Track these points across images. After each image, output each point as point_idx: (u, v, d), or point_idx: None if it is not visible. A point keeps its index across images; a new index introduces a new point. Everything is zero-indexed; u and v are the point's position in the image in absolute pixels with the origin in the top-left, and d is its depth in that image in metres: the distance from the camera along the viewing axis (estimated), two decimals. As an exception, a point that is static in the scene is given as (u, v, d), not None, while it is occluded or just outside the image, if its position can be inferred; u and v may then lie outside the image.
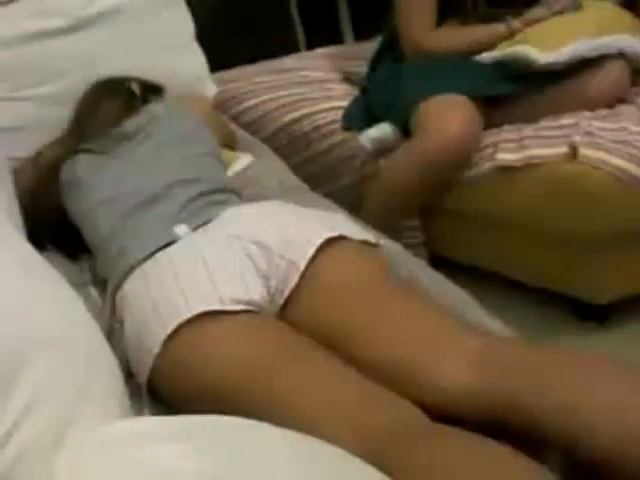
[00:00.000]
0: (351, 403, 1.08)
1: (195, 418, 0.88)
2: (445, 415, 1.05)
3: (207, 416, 0.90)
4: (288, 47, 3.24)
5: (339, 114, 2.51)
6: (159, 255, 1.36)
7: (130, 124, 1.70)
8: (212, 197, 1.51)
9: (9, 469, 0.82)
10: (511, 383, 1.03)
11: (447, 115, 2.16)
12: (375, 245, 1.39)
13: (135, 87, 1.88)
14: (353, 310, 1.22)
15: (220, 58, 2.51)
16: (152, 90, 1.91)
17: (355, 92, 2.59)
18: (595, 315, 2.23)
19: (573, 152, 2.10)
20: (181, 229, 1.41)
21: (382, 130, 2.33)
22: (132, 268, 1.36)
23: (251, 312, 1.24)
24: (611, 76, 2.31)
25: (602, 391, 1.00)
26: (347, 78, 2.75)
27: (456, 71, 2.30)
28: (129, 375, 1.28)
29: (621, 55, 2.31)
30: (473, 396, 1.05)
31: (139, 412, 1.21)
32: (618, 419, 0.96)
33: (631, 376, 1.01)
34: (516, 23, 2.34)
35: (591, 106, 2.30)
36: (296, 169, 2.17)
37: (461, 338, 1.12)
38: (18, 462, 0.81)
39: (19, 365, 0.93)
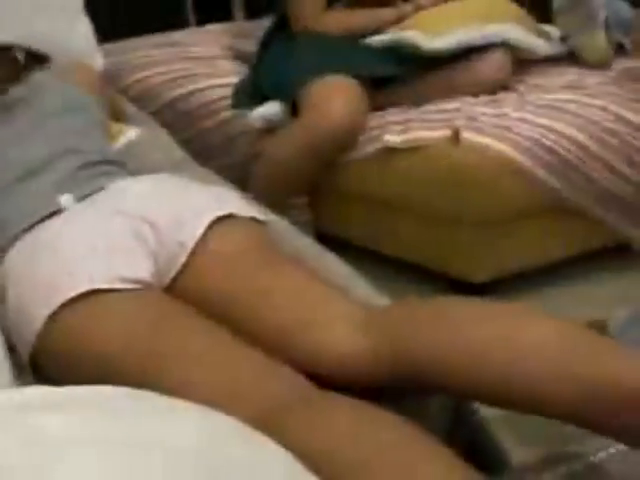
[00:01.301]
0: (241, 375, 1.09)
1: (82, 388, 0.88)
2: (334, 383, 1.07)
3: (94, 386, 0.90)
4: (178, 22, 3.21)
5: (228, 91, 2.50)
6: (42, 226, 1.33)
7: (12, 93, 1.66)
8: (98, 168, 1.48)
9: None
10: (397, 342, 1.06)
11: (333, 96, 2.19)
12: (263, 222, 1.40)
13: (19, 55, 1.83)
14: (240, 283, 1.23)
15: (109, 30, 2.47)
16: (37, 59, 1.86)
17: (244, 70, 2.59)
18: (472, 293, 2.30)
19: (455, 135, 2.15)
20: (65, 199, 1.38)
21: (271, 108, 2.34)
22: (14, 239, 1.33)
23: (138, 290, 1.22)
24: (494, 64, 2.39)
25: (486, 329, 1.03)
26: (237, 56, 2.74)
27: (344, 52, 2.33)
28: (12, 350, 1.25)
29: (505, 44, 2.38)
30: (361, 360, 1.07)
31: (22, 385, 1.20)
32: (503, 356, 0.99)
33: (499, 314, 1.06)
34: (406, 8, 2.38)
35: (474, 92, 2.37)
36: (184, 145, 2.15)
37: (346, 306, 1.14)
38: None
39: None
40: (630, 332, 1.47)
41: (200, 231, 1.27)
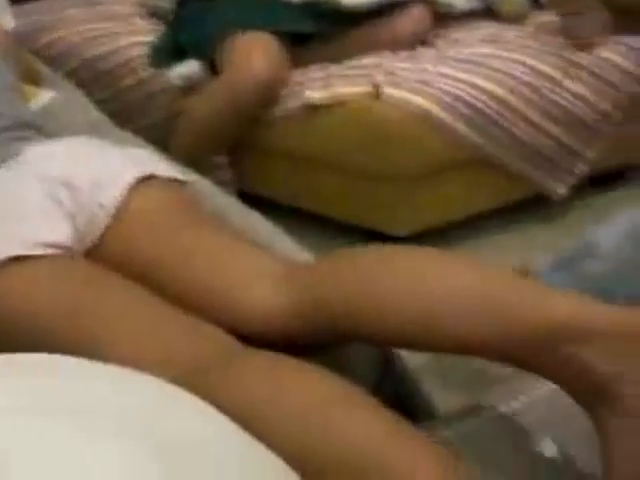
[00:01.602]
0: (166, 335, 1.08)
1: (20, 356, 0.87)
2: (260, 341, 1.08)
3: (33, 354, 0.88)
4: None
5: (144, 50, 2.46)
6: None
7: None
8: (13, 133, 1.44)
9: None
10: (317, 296, 1.06)
11: (253, 52, 2.17)
12: (184, 182, 1.39)
13: None
14: (163, 245, 1.21)
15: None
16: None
17: (162, 27, 2.55)
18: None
19: (376, 91, 2.16)
20: None
21: (190, 66, 2.31)
22: None
23: (58, 255, 1.20)
24: (413, 18, 2.40)
25: (408, 274, 1.03)
26: (154, 13, 2.69)
27: (264, 8, 2.32)
28: None
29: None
30: (282, 317, 1.07)
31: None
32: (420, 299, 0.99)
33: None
34: None
35: (394, 47, 2.37)
36: (102, 106, 2.11)
37: (268, 264, 1.14)
38: None
39: None
40: (552, 279, 1.51)
41: (120, 193, 1.25)
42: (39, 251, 1.18)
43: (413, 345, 1.06)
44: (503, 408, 1.09)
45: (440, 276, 1.00)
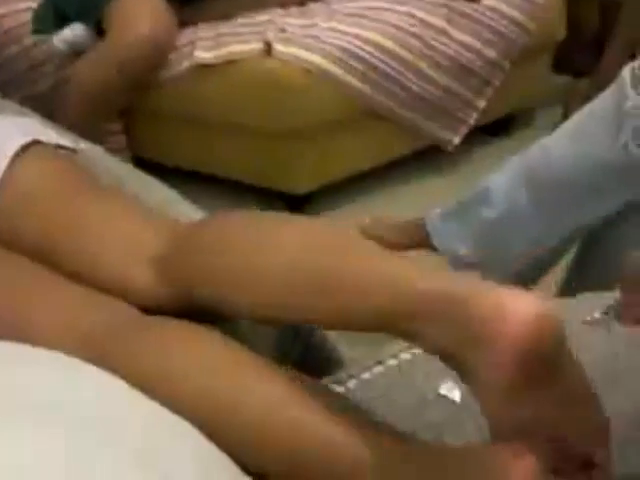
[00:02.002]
0: (64, 307, 1.07)
1: None
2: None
3: None
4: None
5: (28, 16, 2.38)
6: None
7: None
8: None
9: None
10: (183, 283, 1.04)
11: (138, 12, 2.13)
12: (73, 149, 1.36)
13: None
14: (49, 217, 1.19)
15: None
16: None
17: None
18: (295, 205, 2.34)
19: (268, 48, 2.15)
20: None
21: (75, 31, 2.25)
22: None
23: None
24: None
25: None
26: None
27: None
28: None
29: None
30: (159, 299, 1.07)
31: None
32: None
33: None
34: None
35: (283, 3, 2.36)
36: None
37: (148, 242, 1.13)
38: None
39: None
40: (445, 228, 1.54)
41: (4, 163, 1.22)
42: None
43: (278, 321, 1.04)
44: (405, 356, 1.12)
45: (276, 248, 0.96)
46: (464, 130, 2.49)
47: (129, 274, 1.10)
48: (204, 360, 0.96)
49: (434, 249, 1.54)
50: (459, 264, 1.50)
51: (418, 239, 1.56)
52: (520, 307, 0.76)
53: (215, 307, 1.01)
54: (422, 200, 2.16)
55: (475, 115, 2.50)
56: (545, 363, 0.76)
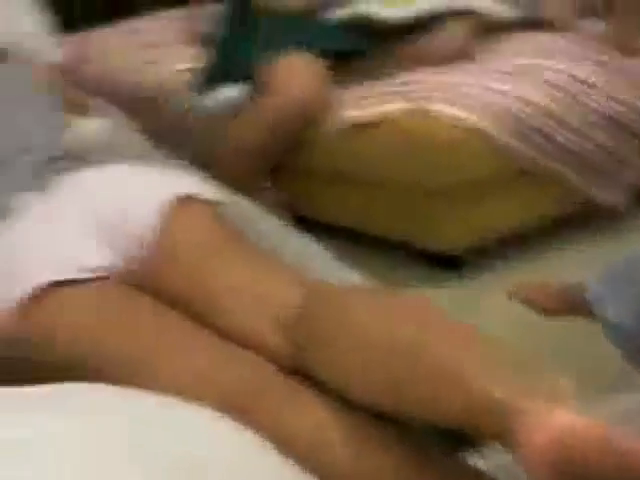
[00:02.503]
0: (206, 362, 1.09)
1: (32, 388, 0.87)
2: None
3: (47, 385, 0.88)
4: (131, 10, 3.16)
5: (188, 76, 2.47)
6: None
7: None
8: (60, 163, 1.46)
9: None
10: (305, 352, 1.07)
11: (295, 73, 2.17)
12: (224, 203, 1.39)
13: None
14: (195, 274, 1.22)
15: (64, 22, 2.43)
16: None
17: (203, 54, 2.56)
18: (449, 266, 2.30)
19: (419, 106, 2.14)
20: (19, 200, 1.36)
21: (232, 91, 2.32)
22: None
23: (96, 280, 1.22)
24: (455, 32, 2.37)
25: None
26: (194, 40, 2.71)
27: (304, 29, 2.32)
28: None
29: (467, 11, 2.37)
30: (280, 357, 1.10)
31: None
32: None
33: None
34: None
35: (436, 62, 2.36)
36: (147, 134, 2.13)
37: (285, 303, 1.13)
38: None
39: None
40: (603, 293, 1.47)
41: (157, 216, 1.25)
42: (79, 275, 1.20)
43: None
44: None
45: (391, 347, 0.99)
46: (624, 191, 2.39)
47: (261, 331, 1.12)
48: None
49: (593, 317, 1.48)
50: (620, 335, 1.43)
51: (576, 306, 1.50)
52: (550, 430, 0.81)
53: (320, 376, 1.03)
54: (577, 264, 2.08)
55: (634, 175, 2.39)
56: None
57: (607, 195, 2.37)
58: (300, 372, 1.07)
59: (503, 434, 0.86)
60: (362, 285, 1.35)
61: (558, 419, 0.82)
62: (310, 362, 1.05)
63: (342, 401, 1.00)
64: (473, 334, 1.00)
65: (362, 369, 0.99)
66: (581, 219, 2.42)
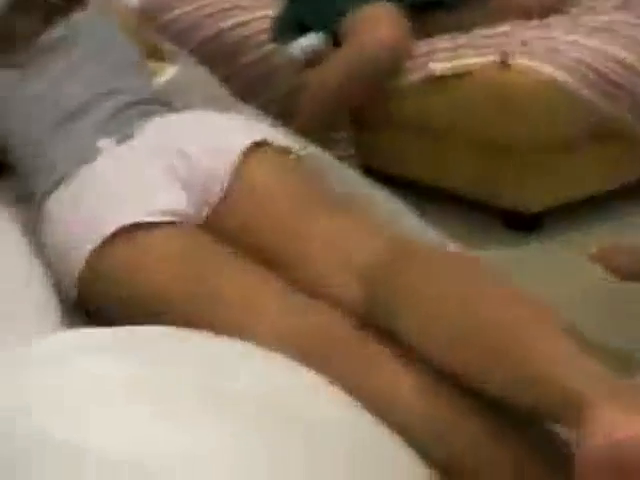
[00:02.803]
0: (282, 308, 1.09)
1: (126, 328, 0.88)
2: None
3: (139, 327, 0.89)
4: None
5: (267, 24, 2.46)
6: (83, 169, 1.33)
7: (49, 36, 1.65)
8: (138, 108, 1.48)
9: None
10: (388, 305, 1.05)
11: (376, 22, 2.15)
12: (302, 152, 1.38)
13: (54, -2, 1.81)
14: (270, 222, 1.22)
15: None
16: (74, 1, 1.84)
17: (283, 2, 2.53)
18: (526, 224, 2.26)
19: (505, 60, 2.09)
20: (105, 143, 1.38)
21: (313, 39, 2.30)
22: (57, 183, 1.34)
23: (176, 222, 1.23)
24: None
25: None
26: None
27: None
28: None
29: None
30: (356, 309, 1.08)
31: (71, 327, 1.20)
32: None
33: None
34: None
35: (525, 16, 2.30)
36: (225, 81, 2.13)
37: (365, 257, 1.12)
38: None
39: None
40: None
41: (234, 159, 1.26)
42: (160, 218, 1.21)
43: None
44: None
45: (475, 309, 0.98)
46: None
47: (340, 284, 1.12)
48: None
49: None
50: None
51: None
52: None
53: (395, 330, 1.02)
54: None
55: None
56: None
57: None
58: (374, 326, 1.05)
59: (566, 420, 0.85)
60: (443, 247, 1.32)
61: (633, 426, 0.79)
62: (388, 317, 1.03)
63: (417, 357, 0.98)
64: (545, 311, 0.97)
65: (434, 324, 0.98)
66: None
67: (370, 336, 1.03)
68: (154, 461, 0.68)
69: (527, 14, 2.32)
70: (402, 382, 0.97)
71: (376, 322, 1.05)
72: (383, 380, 0.97)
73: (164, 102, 1.58)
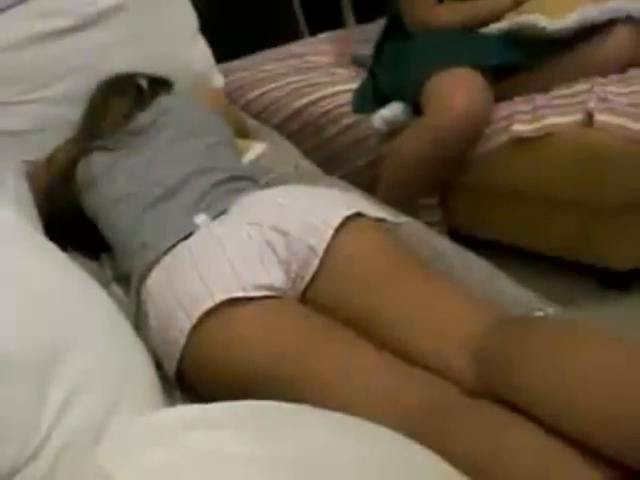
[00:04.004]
0: (385, 383, 1.09)
1: (235, 404, 0.88)
2: None
3: (246, 402, 0.90)
4: (290, 35, 3.22)
5: (347, 97, 2.49)
6: (180, 247, 1.36)
7: (141, 119, 1.70)
8: (230, 185, 1.51)
9: (53, 462, 0.82)
10: (503, 383, 1.03)
11: (456, 89, 2.14)
12: (394, 223, 1.38)
13: (142, 82, 1.88)
14: (372, 292, 1.21)
15: (225, 49, 2.50)
16: (160, 84, 1.91)
17: (362, 74, 2.58)
18: (617, 282, 2.22)
19: (589, 119, 2.08)
20: (200, 219, 1.41)
21: (393, 110, 2.31)
22: (154, 262, 1.36)
23: (273, 297, 1.24)
24: (621, 40, 2.29)
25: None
26: (353, 61, 2.73)
27: (463, 44, 2.28)
28: (158, 368, 1.28)
29: (629, 18, 2.28)
30: (464, 381, 1.08)
31: (171, 404, 1.21)
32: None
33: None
34: None
35: (603, 72, 2.28)
36: (309, 155, 2.16)
37: (468, 326, 1.11)
38: (61, 455, 0.81)
39: (55, 363, 0.92)
40: None
41: (330, 234, 1.27)
42: (257, 293, 1.22)
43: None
44: None
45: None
46: None
47: (445, 354, 1.11)
48: (532, 441, 0.94)
49: None
50: None
51: None
52: None
53: (516, 402, 0.99)
54: None
55: None
56: None
57: None
58: (485, 396, 1.04)
59: None
60: (544, 315, 1.31)
61: None
62: (498, 387, 1.02)
63: (532, 421, 0.97)
64: None
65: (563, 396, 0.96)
66: None
67: (480, 404, 1.02)
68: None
69: (606, 69, 2.30)
70: (517, 448, 0.95)
71: (484, 390, 1.04)
72: (496, 445, 0.95)
73: (255, 178, 1.61)
